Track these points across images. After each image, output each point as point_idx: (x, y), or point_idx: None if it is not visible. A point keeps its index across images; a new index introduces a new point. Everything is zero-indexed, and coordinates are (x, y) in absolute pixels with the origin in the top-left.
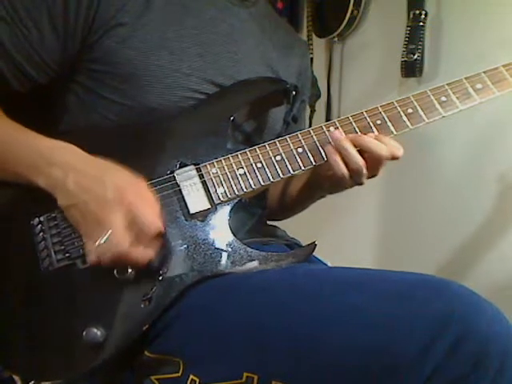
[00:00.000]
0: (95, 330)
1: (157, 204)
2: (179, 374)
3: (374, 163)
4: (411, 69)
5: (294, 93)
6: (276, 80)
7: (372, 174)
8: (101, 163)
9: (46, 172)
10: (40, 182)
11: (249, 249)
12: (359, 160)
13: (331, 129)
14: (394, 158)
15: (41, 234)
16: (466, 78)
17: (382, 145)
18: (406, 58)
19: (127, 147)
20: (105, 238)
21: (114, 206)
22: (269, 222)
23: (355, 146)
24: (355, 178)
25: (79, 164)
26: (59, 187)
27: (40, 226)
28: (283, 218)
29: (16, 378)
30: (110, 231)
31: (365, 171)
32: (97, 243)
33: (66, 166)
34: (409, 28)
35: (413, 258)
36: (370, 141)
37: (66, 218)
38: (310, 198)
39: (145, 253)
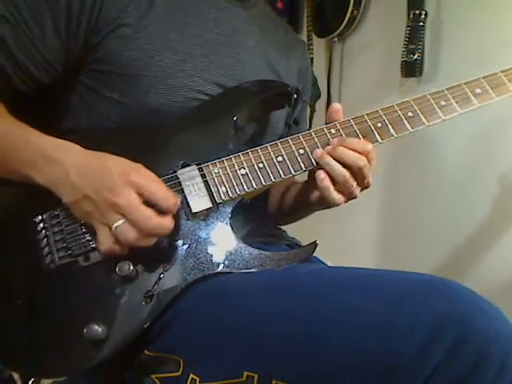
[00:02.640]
0: (96, 327)
1: (160, 180)
2: (179, 373)
3: (356, 173)
4: (411, 69)
5: (295, 96)
6: (278, 83)
7: (363, 184)
8: (98, 154)
9: (45, 170)
10: (40, 179)
11: (250, 248)
12: (342, 171)
13: (332, 131)
14: (365, 153)
15: (43, 231)
16: (465, 83)
17: (357, 154)
18: (406, 58)
19: (129, 147)
20: (121, 220)
21: (122, 186)
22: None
23: (334, 158)
24: (345, 190)
25: (78, 158)
26: (62, 184)
27: (42, 223)
28: (284, 223)
29: (16, 377)
30: (131, 208)
31: (351, 181)
32: (115, 224)
33: (66, 163)
34: (409, 28)
35: (413, 258)
36: (342, 151)
37: (72, 214)
38: (304, 211)
39: (167, 221)
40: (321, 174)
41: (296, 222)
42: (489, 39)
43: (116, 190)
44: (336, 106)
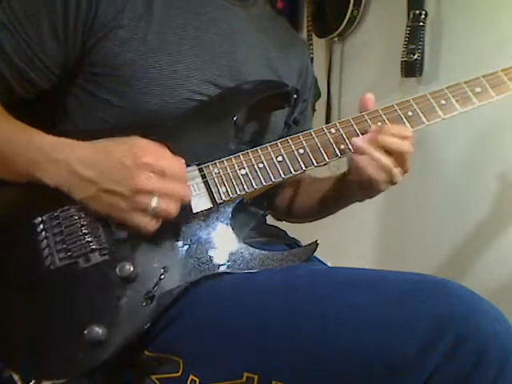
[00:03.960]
0: (97, 329)
1: (165, 149)
2: (179, 374)
3: (399, 159)
4: (411, 69)
5: (295, 96)
6: (277, 83)
7: (405, 168)
8: (97, 144)
9: (50, 169)
10: (46, 179)
11: (250, 248)
12: (386, 160)
13: (332, 130)
14: (405, 138)
15: (43, 232)
16: (465, 82)
17: (400, 140)
18: (405, 58)
19: None
20: (155, 200)
21: (141, 172)
22: (269, 222)
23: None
24: (389, 178)
25: (81, 152)
26: (71, 181)
27: (42, 225)
28: (308, 220)
29: (16, 377)
30: (161, 186)
31: (395, 169)
32: (151, 206)
33: (70, 160)
34: (409, 28)
35: (413, 257)
36: (385, 139)
37: (72, 216)
38: (340, 206)
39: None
40: (363, 162)
41: (317, 219)
42: (489, 39)
43: (137, 177)
44: (368, 95)
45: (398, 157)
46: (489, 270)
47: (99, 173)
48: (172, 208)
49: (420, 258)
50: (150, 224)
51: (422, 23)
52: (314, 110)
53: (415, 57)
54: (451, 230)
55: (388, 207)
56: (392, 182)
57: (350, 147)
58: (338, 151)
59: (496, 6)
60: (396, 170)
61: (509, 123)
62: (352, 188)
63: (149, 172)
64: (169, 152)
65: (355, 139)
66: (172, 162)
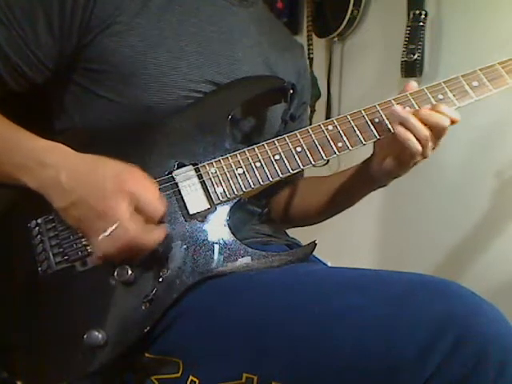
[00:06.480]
0: (96, 333)
1: (154, 186)
2: (179, 375)
3: (437, 134)
4: (411, 69)
5: (291, 91)
6: (273, 78)
7: (436, 144)
8: (91, 157)
9: (37, 173)
10: (31, 183)
11: (249, 249)
12: (425, 130)
13: (329, 127)
14: (453, 122)
15: (38, 236)
16: (462, 76)
17: (442, 115)
18: (406, 58)
19: (124, 148)
20: (111, 228)
21: (114, 195)
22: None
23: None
24: (423, 151)
25: (70, 162)
26: (53, 188)
27: (37, 228)
28: (318, 221)
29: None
30: (118, 222)
31: (430, 143)
32: (101, 236)
33: (57, 166)
34: (409, 28)
35: (412, 258)
36: (431, 114)
37: (64, 219)
38: (361, 192)
39: (154, 235)
40: (401, 129)
41: (320, 221)
42: (489, 39)
43: (106, 198)
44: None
45: (438, 131)
46: (489, 270)
47: (77, 185)
48: (113, 250)
49: (420, 258)
50: (101, 250)
51: (422, 23)
52: (313, 110)
53: (415, 57)
54: (451, 230)
55: (388, 207)
56: (424, 156)
57: (387, 122)
58: (335, 149)
59: (496, 6)
60: (431, 143)
61: (507, 123)
62: (377, 171)
63: (125, 201)
64: (156, 191)
65: (395, 107)
66: (155, 200)
